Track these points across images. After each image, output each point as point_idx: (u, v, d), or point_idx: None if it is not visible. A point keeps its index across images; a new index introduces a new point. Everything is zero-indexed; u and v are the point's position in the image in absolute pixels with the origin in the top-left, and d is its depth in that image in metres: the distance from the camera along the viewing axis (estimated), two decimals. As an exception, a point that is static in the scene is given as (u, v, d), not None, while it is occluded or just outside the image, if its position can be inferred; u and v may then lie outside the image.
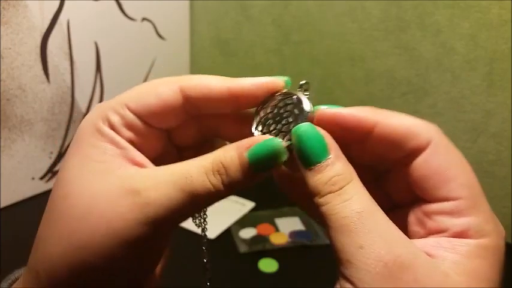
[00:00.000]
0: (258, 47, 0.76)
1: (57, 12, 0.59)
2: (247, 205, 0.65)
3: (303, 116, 0.21)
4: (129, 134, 0.21)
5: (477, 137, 0.60)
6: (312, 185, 0.19)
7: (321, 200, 0.19)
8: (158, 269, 0.24)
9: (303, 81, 0.22)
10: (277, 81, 0.22)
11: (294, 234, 0.59)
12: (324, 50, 0.70)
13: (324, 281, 0.51)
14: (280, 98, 0.22)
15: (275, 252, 0.56)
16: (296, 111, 0.22)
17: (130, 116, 0.21)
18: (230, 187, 0.20)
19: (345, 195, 0.19)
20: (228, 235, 0.59)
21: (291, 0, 0.70)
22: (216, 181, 0.20)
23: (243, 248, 0.56)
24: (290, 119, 0.21)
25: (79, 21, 0.62)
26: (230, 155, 0.20)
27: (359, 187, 0.19)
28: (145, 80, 0.75)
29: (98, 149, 0.21)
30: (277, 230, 0.60)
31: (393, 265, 0.17)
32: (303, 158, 0.20)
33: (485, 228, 0.18)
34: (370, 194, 0.19)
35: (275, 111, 0.22)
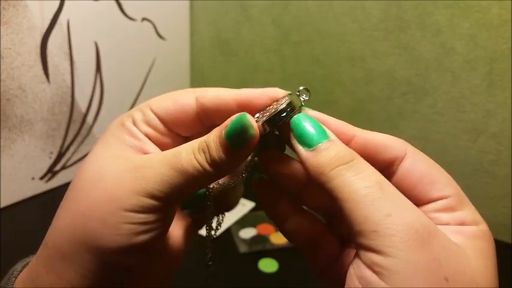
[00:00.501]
0: (258, 47, 0.76)
1: (57, 12, 0.59)
2: (247, 205, 0.65)
3: (288, 110, 0.22)
4: (146, 128, 0.24)
5: (477, 137, 0.60)
6: (317, 163, 0.20)
7: (332, 173, 0.20)
8: (166, 275, 0.25)
9: (301, 87, 0.24)
10: (278, 91, 0.24)
11: (294, 234, 0.59)
12: (324, 50, 0.70)
13: (324, 281, 0.51)
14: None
15: (275, 252, 0.56)
16: (281, 107, 0.23)
17: (151, 115, 0.24)
18: (216, 166, 0.21)
19: (357, 169, 0.20)
20: (228, 235, 0.59)
21: (291, 0, 0.70)
22: (202, 159, 0.21)
23: (243, 248, 0.56)
24: (273, 111, 0.23)
25: (79, 21, 0.62)
26: (213, 134, 0.22)
27: (366, 163, 0.20)
28: (145, 80, 0.76)
29: (118, 138, 0.23)
30: (277, 230, 0.60)
31: (424, 232, 0.18)
32: (304, 139, 0.21)
33: (476, 218, 0.21)
34: None
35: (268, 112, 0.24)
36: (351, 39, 0.66)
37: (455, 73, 0.60)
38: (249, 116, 0.21)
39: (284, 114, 0.22)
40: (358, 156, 0.21)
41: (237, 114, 0.21)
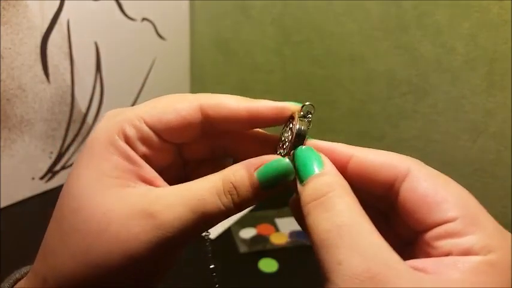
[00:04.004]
0: (258, 47, 0.76)
1: (57, 12, 0.59)
2: (247, 205, 0.65)
3: (297, 141, 0.22)
4: (143, 148, 0.22)
5: (477, 137, 0.60)
6: (301, 197, 0.20)
7: (305, 210, 0.19)
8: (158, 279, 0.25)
9: (307, 103, 0.23)
10: (291, 107, 0.23)
11: (294, 234, 0.59)
12: (324, 50, 0.70)
13: (324, 281, 0.51)
14: (289, 121, 0.23)
15: (275, 252, 0.56)
16: (290, 136, 0.22)
17: (146, 130, 0.22)
18: (240, 205, 0.20)
19: (328, 205, 0.18)
20: (228, 235, 0.59)
21: (291, 0, 0.70)
22: (227, 201, 0.20)
23: (243, 248, 0.56)
24: (287, 143, 0.22)
25: (79, 21, 0.62)
26: (240, 174, 0.20)
27: (345, 196, 0.19)
28: (145, 80, 0.76)
29: (110, 163, 0.21)
30: (277, 230, 0.60)
31: (370, 283, 0.16)
32: (298, 175, 0.20)
33: (491, 244, 0.17)
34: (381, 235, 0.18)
35: (284, 135, 0.23)
36: (351, 39, 0.66)
37: (455, 73, 0.60)
38: (288, 162, 0.21)
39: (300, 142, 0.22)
40: (339, 187, 0.19)
41: (274, 159, 0.21)
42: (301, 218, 0.23)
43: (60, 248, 0.21)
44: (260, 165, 0.21)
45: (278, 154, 0.23)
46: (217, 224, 0.21)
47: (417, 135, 0.65)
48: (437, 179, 0.19)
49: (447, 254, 0.18)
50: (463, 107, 0.60)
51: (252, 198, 0.20)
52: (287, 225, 0.61)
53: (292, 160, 0.21)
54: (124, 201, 0.20)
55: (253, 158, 0.21)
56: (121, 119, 0.22)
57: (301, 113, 0.23)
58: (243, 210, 0.21)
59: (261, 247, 0.57)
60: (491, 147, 0.60)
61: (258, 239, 0.58)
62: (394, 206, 0.21)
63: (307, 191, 0.19)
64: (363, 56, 0.66)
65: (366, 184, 0.21)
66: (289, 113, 0.23)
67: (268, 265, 0.53)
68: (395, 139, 0.67)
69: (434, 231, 0.18)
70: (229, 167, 0.21)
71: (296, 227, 0.61)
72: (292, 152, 0.22)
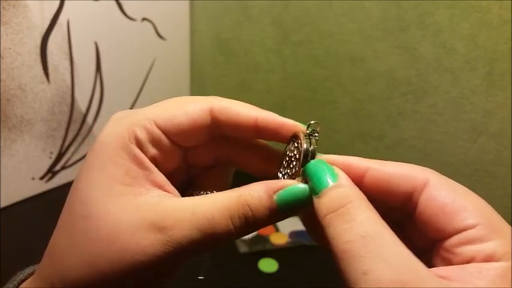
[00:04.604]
0: (258, 47, 0.76)
1: (57, 12, 0.59)
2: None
3: (305, 161, 0.22)
4: (153, 151, 0.22)
5: (477, 137, 0.60)
6: (317, 209, 0.19)
7: (324, 222, 0.19)
8: None
9: (312, 122, 0.23)
10: (299, 127, 0.23)
11: (294, 234, 0.59)
12: (324, 50, 0.70)
13: (324, 281, 0.51)
14: (294, 141, 0.23)
15: (275, 252, 0.56)
16: (297, 155, 0.22)
17: (158, 133, 0.22)
18: (253, 228, 0.20)
19: (347, 216, 0.18)
20: (228, 235, 0.59)
21: (291, 0, 0.70)
22: (240, 224, 0.20)
23: (243, 248, 0.56)
24: (294, 163, 0.22)
25: (79, 21, 0.62)
26: (259, 196, 0.20)
27: (364, 207, 0.19)
28: (145, 80, 0.76)
29: (122, 169, 0.21)
30: (277, 230, 0.60)
31: None
32: (313, 187, 0.20)
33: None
34: None
35: (290, 154, 0.23)
36: (351, 39, 0.66)
37: (455, 73, 0.60)
38: (308, 188, 0.20)
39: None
40: (357, 198, 0.19)
41: (293, 183, 0.21)
42: (312, 229, 0.24)
43: (69, 253, 0.21)
44: (280, 189, 0.20)
45: (285, 173, 0.23)
46: (226, 243, 0.21)
47: (417, 135, 0.65)
48: (455, 188, 0.20)
49: (469, 260, 0.18)
50: (463, 107, 0.60)
51: (267, 222, 0.20)
52: (287, 225, 0.61)
53: (303, 174, 0.21)
54: (135, 212, 0.20)
55: (273, 181, 0.21)
56: (131, 122, 0.22)
57: (307, 132, 0.23)
58: (253, 232, 0.21)
59: (261, 247, 0.57)
60: (491, 147, 0.60)
61: (258, 239, 0.58)
62: (409, 216, 0.21)
63: (324, 203, 0.19)
64: (362, 56, 0.66)
65: (383, 196, 0.21)
66: (295, 130, 0.23)
67: (268, 265, 0.54)
68: (395, 139, 0.67)
69: (455, 238, 0.19)
70: (246, 186, 0.21)
71: (296, 227, 0.61)
72: (301, 169, 0.22)
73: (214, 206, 0.20)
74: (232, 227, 0.20)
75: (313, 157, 0.22)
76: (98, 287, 0.20)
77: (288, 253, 0.56)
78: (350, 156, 0.22)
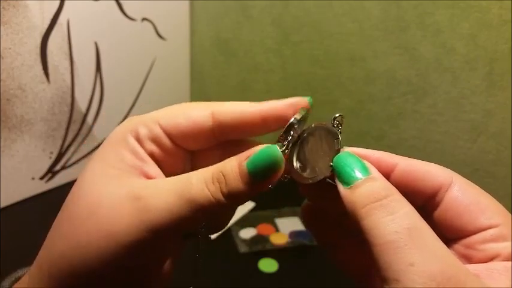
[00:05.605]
0: (258, 47, 0.76)
1: (57, 12, 0.59)
2: (247, 205, 0.65)
3: (334, 150, 0.22)
4: (152, 147, 0.22)
5: (477, 137, 0.60)
6: (352, 200, 0.19)
7: (362, 212, 0.19)
8: (167, 269, 0.25)
9: (337, 115, 0.23)
10: (304, 100, 0.23)
11: (294, 234, 0.59)
12: (324, 50, 0.70)
13: (324, 281, 0.51)
14: (314, 128, 0.24)
15: (275, 252, 0.56)
16: (326, 145, 0.23)
17: (159, 132, 0.22)
18: (230, 196, 0.20)
19: (390, 208, 0.18)
20: (228, 235, 0.59)
21: (291, 0, 0.70)
22: (215, 189, 0.20)
23: (243, 248, 0.56)
24: (322, 152, 0.22)
25: (79, 21, 0.62)
26: (230, 164, 0.20)
27: (404, 202, 0.19)
28: (145, 80, 0.76)
29: (117, 155, 0.22)
30: (277, 230, 0.60)
31: (447, 283, 0.16)
32: (343, 178, 0.20)
33: None
34: None
35: (309, 141, 0.23)
36: (351, 39, 0.66)
37: (455, 73, 0.60)
38: (278, 149, 0.20)
39: (298, 137, 0.22)
40: (395, 192, 0.19)
41: (264, 146, 0.21)
42: (313, 223, 0.24)
43: (54, 235, 0.21)
44: (250, 155, 0.20)
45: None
46: (209, 215, 0.21)
47: (417, 135, 0.65)
48: (477, 189, 0.21)
49: (493, 257, 0.19)
50: (463, 107, 0.60)
51: (243, 190, 0.20)
52: (287, 225, 0.61)
53: (332, 166, 0.21)
54: (117, 188, 0.20)
55: (247, 151, 0.21)
56: (137, 121, 0.23)
57: (300, 117, 0.23)
58: (236, 203, 0.21)
59: (261, 247, 0.57)
60: (491, 147, 0.60)
61: (258, 239, 0.58)
62: (427, 215, 0.21)
63: (362, 194, 0.19)
64: (362, 56, 0.66)
65: (409, 192, 0.21)
66: (305, 104, 0.23)
67: (268, 265, 0.54)
68: (395, 139, 0.67)
69: (479, 235, 0.20)
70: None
71: (296, 227, 0.61)
72: (290, 145, 0.22)
73: (193, 174, 0.21)
74: (207, 191, 0.20)
75: (300, 127, 0.22)
76: (77, 262, 0.20)
77: (288, 253, 0.56)
78: (380, 151, 0.22)
